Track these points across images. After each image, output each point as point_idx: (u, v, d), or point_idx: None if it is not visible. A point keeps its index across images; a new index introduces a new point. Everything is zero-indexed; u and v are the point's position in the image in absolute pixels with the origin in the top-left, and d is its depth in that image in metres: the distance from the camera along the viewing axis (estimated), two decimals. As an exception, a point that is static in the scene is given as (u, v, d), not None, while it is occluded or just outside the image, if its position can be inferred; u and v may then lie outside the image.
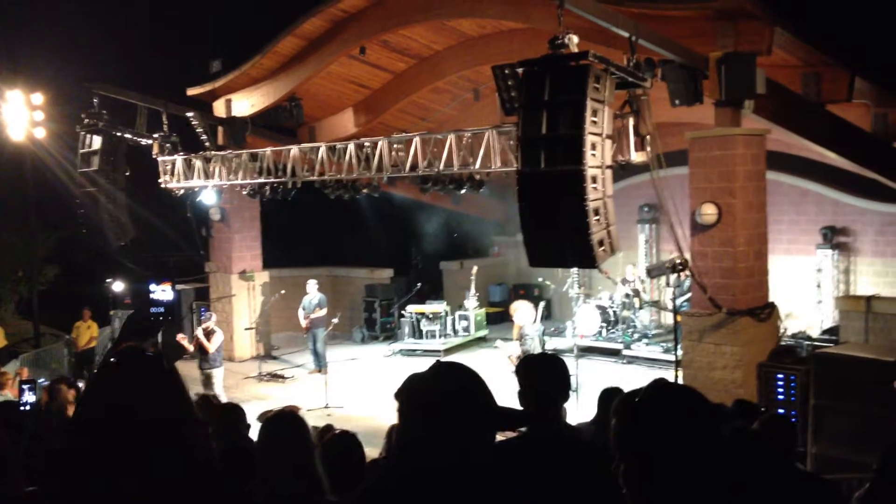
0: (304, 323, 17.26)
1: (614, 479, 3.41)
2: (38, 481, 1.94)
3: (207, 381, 13.96)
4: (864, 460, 8.39)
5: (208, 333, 14.18)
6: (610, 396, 6.11)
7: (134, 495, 1.84)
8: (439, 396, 2.11)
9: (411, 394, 2.16)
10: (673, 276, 11.36)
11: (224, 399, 14.05)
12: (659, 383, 2.05)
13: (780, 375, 10.89)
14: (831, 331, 14.85)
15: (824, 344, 13.49)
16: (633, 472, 1.96)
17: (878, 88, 13.72)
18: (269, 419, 3.90)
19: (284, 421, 3.82)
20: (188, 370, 17.26)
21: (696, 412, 1.98)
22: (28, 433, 8.01)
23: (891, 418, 8.43)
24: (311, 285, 17.63)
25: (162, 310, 20.68)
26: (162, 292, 20.97)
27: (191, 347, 14.30)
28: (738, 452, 2.03)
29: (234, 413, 6.26)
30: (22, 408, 10.13)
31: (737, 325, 11.36)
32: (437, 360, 2.25)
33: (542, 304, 15.71)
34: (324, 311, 17.14)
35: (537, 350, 12.77)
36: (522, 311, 13.83)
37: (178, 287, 20.80)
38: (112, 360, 2.03)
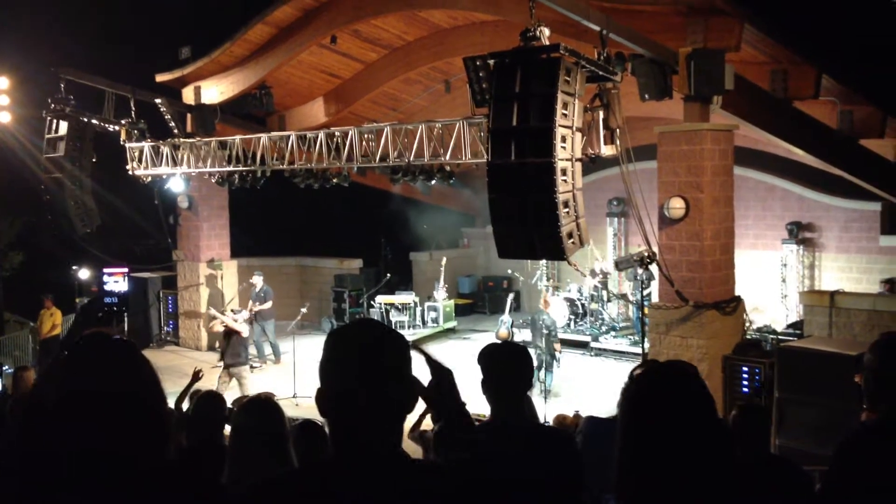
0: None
1: (574, 473, 3.39)
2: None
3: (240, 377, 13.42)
4: (827, 453, 8.53)
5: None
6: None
7: (105, 477, 1.83)
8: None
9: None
10: (641, 271, 11.40)
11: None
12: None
13: (745, 368, 11.06)
14: (796, 325, 15.05)
15: (789, 338, 13.68)
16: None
17: (844, 86, 13.88)
18: (243, 405, 3.89)
19: (259, 406, 3.80)
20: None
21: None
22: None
23: (853, 411, 8.55)
24: (257, 278, 17.30)
25: (115, 300, 20.50)
26: (115, 283, 20.78)
27: (244, 331, 13.44)
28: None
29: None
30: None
31: (703, 319, 11.45)
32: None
33: (510, 296, 15.75)
34: (268, 304, 17.05)
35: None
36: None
37: (145, 275, 20.64)
38: (78, 342, 2.01)
